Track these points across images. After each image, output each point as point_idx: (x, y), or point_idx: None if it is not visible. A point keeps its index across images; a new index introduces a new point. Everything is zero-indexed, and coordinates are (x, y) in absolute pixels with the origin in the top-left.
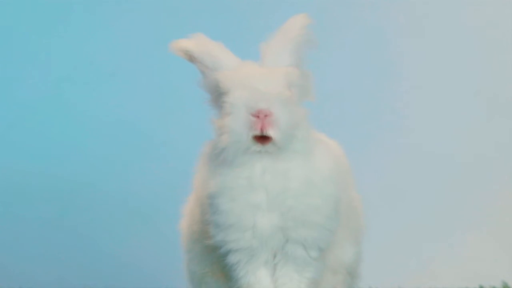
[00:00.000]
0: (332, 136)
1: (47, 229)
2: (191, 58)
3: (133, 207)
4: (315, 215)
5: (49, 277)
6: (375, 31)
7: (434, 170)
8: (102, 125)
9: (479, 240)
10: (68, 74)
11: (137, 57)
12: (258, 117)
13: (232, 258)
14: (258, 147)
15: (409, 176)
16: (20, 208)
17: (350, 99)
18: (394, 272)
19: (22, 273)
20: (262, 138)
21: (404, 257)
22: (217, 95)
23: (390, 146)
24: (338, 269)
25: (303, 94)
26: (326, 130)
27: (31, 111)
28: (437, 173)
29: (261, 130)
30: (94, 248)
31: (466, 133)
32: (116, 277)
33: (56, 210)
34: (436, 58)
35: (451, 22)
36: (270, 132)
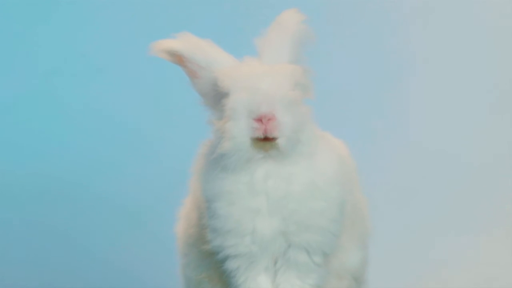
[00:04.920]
0: (337, 134)
1: (35, 231)
2: (178, 59)
3: (126, 209)
4: (319, 219)
5: (38, 282)
6: (381, 25)
7: (444, 170)
8: (93, 122)
9: (491, 243)
10: (58, 67)
11: (131, 50)
12: (260, 121)
13: (230, 264)
14: (260, 154)
15: (418, 176)
16: (7, 209)
17: (355, 96)
18: (401, 277)
19: (10, 277)
20: (264, 140)
21: (411, 261)
22: (215, 95)
23: (397, 145)
24: (343, 274)
25: (304, 92)
26: (331, 128)
27: (17, 106)
28: (447, 173)
29: (264, 133)
30: (85, 251)
31: (476, 132)
32: (108, 281)
33: (45, 212)
34: (445, 53)
35: (461, 15)
36: (274, 134)
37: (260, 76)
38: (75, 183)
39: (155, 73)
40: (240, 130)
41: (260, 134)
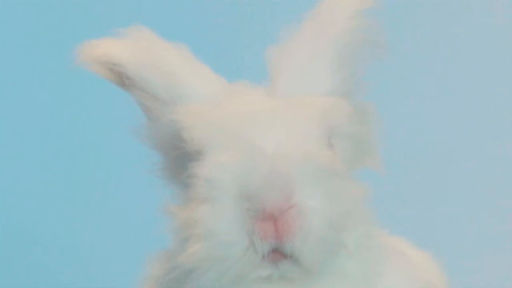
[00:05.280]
0: None
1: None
2: (117, 78)
3: (126, 209)
4: None
5: (38, 282)
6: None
7: (445, 171)
8: (93, 121)
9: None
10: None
11: None
12: (267, 221)
13: None
14: (266, 270)
15: (421, 178)
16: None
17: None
18: None
19: (10, 277)
20: (275, 254)
21: None
22: (178, 156)
23: (400, 144)
24: None
25: (358, 152)
26: None
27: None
28: (448, 174)
29: (273, 238)
30: (85, 251)
31: (481, 131)
32: (108, 281)
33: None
34: (447, 53)
35: (465, 15)
36: (290, 247)
37: (263, 120)
38: (75, 183)
39: None
40: (226, 223)
41: (266, 243)
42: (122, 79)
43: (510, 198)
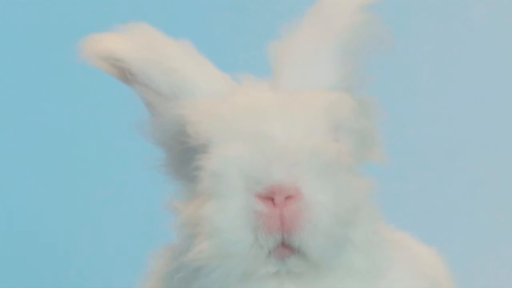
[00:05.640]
0: None
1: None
2: (122, 73)
3: (129, 207)
4: None
5: (39, 282)
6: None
7: (454, 169)
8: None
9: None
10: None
11: None
12: (271, 201)
13: None
14: (273, 266)
15: (426, 174)
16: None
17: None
18: None
19: (10, 276)
20: (283, 249)
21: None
22: (182, 151)
23: (404, 140)
24: None
25: (362, 146)
26: None
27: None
28: (459, 174)
29: (280, 231)
30: (87, 250)
31: (485, 128)
32: (110, 280)
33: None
34: (454, 44)
35: (470, 4)
36: (298, 240)
37: (269, 114)
38: (77, 181)
39: None
40: (233, 219)
41: (270, 237)
42: (125, 74)
43: None
